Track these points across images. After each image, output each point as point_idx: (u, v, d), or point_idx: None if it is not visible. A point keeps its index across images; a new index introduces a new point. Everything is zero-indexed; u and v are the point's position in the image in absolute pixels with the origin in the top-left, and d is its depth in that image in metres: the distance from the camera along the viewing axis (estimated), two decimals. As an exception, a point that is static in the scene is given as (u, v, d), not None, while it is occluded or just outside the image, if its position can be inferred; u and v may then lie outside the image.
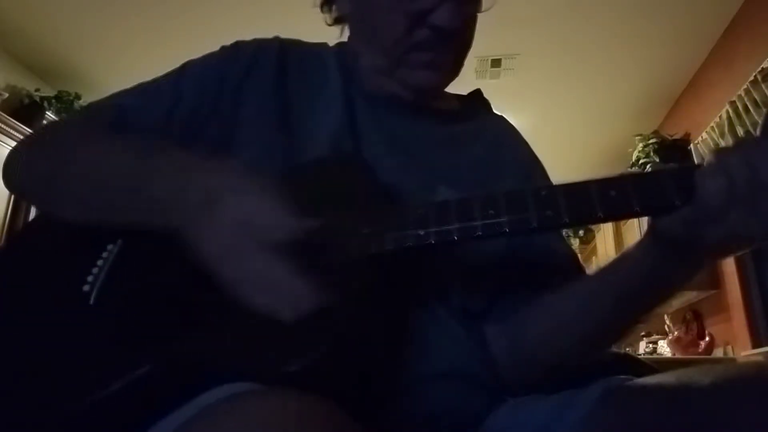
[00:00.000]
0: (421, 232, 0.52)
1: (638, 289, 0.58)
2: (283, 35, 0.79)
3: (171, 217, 0.52)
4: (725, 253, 0.52)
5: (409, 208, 0.54)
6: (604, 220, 0.49)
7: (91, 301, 0.55)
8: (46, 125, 0.80)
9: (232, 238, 0.47)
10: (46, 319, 0.57)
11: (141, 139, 0.64)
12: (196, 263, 0.49)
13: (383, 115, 0.71)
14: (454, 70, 0.72)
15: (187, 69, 0.73)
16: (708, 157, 0.49)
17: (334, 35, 0.82)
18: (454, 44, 0.70)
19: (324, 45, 0.81)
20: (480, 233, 0.51)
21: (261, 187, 0.50)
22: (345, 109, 0.70)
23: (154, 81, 0.73)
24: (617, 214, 0.49)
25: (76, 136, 0.66)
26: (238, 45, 0.75)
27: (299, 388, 0.37)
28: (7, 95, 3.96)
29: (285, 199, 0.49)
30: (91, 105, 0.76)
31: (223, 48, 0.75)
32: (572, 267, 0.72)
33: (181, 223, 0.51)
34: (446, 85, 0.73)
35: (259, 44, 0.75)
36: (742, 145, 0.49)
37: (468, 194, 0.53)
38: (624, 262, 0.59)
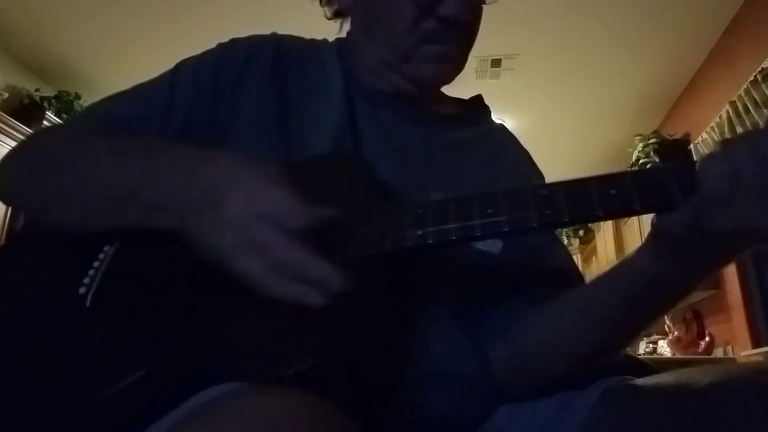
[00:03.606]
0: (419, 232, 0.51)
1: (641, 295, 0.54)
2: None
3: (174, 216, 0.51)
4: (731, 250, 0.48)
5: (408, 208, 0.53)
6: (604, 219, 0.48)
7: (87, 304, 0.54)
8: (37, 131, 0.76)
9: (247, 229, 0.46)
10: (41, 323, 0.56)
11: (133, 139, 0.62)
12: (204, 261, 0.48)
13: (381, 115, 0.70)
14: (460, 63, 0.71)
15: (181, 69, 0.71)
16: (713, 147, 0.47)
17: (334, 33, 0.81)
18: (462, 36, 0.69)
19: (323, 41, 0.79)
20: (479, 233, 0.50)
21: (266, 176, 0.49)
22: (346, 107, 0.69)
23: (149, 84, 0.71)
24: (617, 212, 0.48)
25: (69, 142, 0.65)
26: (233, 43, 0.73)
27: (296, 388, 0.37)
28: (7, 95, 3.97)
29: (292, 188, 0.48)
30: (88, 110, 0.74)
31: (219, 45, 0.73)
32: (570, 274, 0.70)
33: (186, 222, 0.50)
34: (453, 78, 0.72)
35: (255, 41, 0.74)
36: (747, 133, 0.47)
37: (467, 193, 0.52)
38: (626, 267, 0.54)
